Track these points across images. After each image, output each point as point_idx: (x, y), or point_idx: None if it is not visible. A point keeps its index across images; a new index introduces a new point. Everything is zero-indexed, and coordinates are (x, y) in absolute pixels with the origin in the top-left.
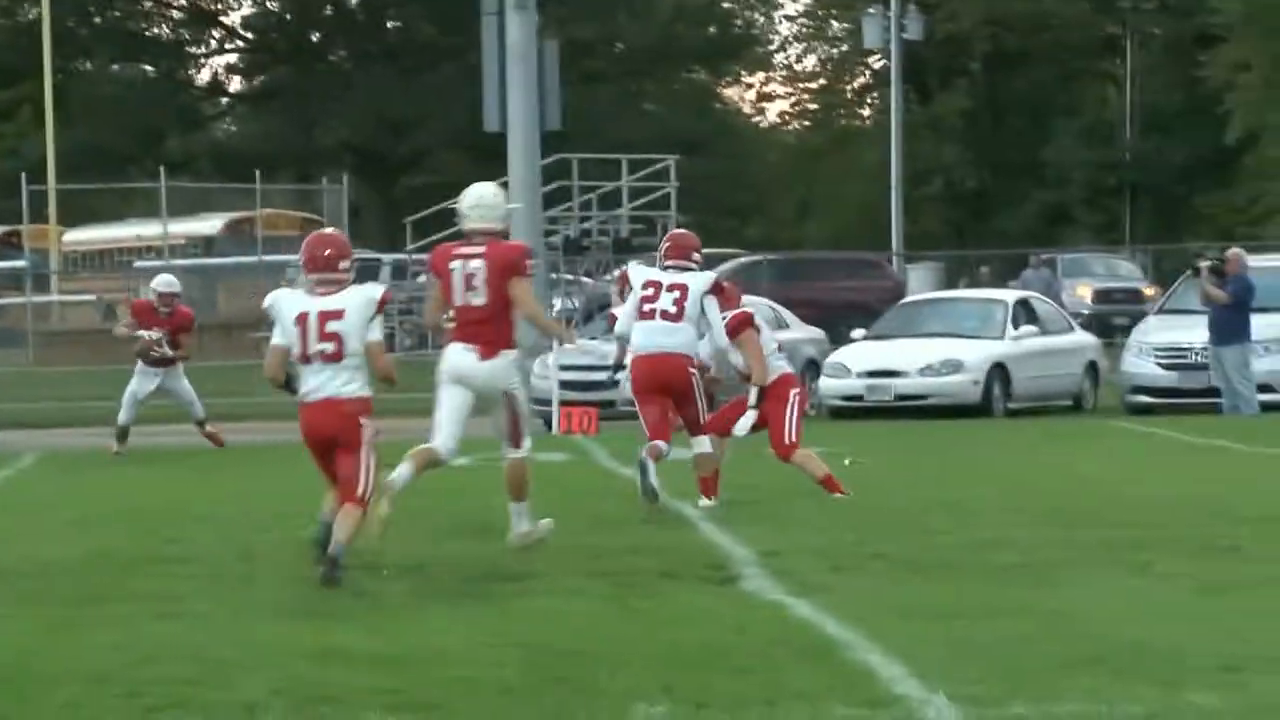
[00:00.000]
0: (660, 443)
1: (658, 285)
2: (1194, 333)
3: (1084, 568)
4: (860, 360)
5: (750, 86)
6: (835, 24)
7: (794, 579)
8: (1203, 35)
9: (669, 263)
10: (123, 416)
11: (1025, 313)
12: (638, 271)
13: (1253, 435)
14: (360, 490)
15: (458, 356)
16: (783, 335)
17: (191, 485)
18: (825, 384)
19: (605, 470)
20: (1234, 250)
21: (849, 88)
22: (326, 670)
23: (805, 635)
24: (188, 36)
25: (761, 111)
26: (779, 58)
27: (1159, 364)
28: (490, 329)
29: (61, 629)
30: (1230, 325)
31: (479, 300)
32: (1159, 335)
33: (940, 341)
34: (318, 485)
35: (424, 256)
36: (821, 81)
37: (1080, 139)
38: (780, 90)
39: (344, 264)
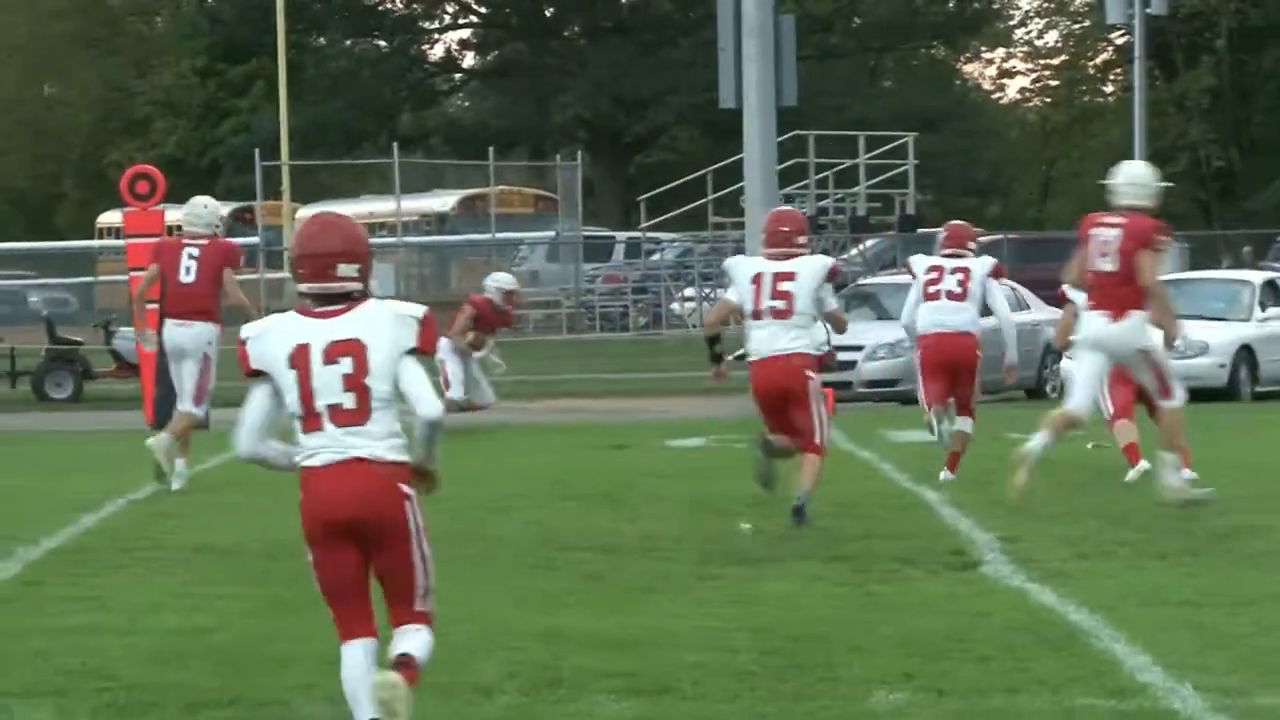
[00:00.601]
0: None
1: (940, 269)
2: None
3: None
4: None
5: (990, 63)
6: None
7: (1036, 565)
8: None
9: (946, 250)
10: (457, 393)
11: (1273, 294)
12: (920, 261)
13: None
14: (818, 439)
15: (1091, 322)
16: (1023, 317)
17: None
18: (1066, 366)
19: (842, 453)
20: None
21: (1091, 64)
22: (558, 653)
23: (1048, 622)
24: (421, 11)
25: (1002, 88)
26: (1020, 33)
27: None
28: (1120, 293)
29: (292, 610)
30: None
31: (1109, 266)
32: None
33: (1185, 323)
34: (552, 467)
35: (659, 235)
36: (1063, 58)
37: None
38: (1021, 66)
39: (801, 239)
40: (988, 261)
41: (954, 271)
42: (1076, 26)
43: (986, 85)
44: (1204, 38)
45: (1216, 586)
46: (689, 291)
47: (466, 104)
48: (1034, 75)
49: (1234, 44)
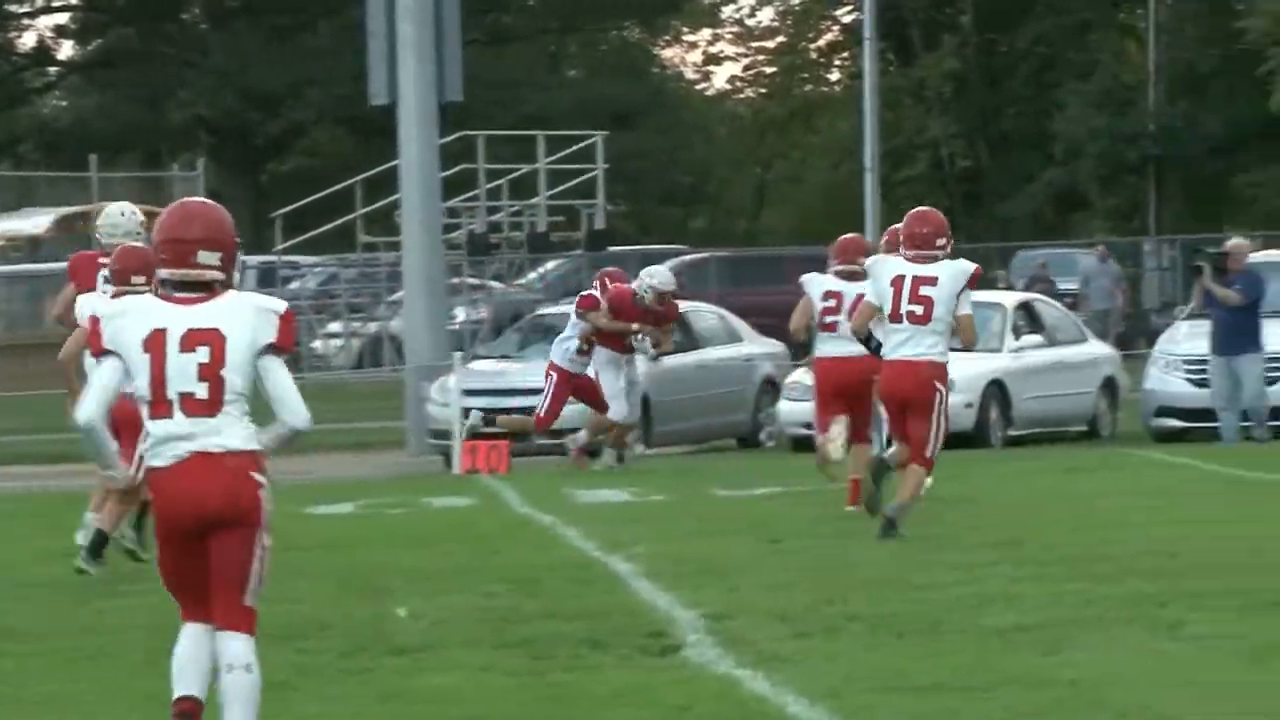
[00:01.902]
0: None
1: (839, 296)
2: None
3: (1103, 629)
4: None
5: (694, 46)
6: None
7: (749, 647)
8: None
9: (839, 267)
10: (620, 411)
11: (1028, 319)
12: (816, 282)
13: None
14: (928, 451)
15: None
16: (733, 350)
17: (34, 539)
18: (785, 409)
19: (519, 517)
20: (1236, 241)
21: (814, 47)
22: None
23: (760, 714)
24: None
25: (708, 76)
26: (728, 11)
27: (1190, 379)
28: None
29: None
30: (1242, 331)
31: None
32: (1191, 345)
33: None
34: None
35: (298, 259)
36: (780, 40)
37: (1095, 106)
38: (730, 51)
39: (940, 240)
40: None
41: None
42: (796, 3)
43: (690, 73)
44: (945, 13)
45: (962, 667)
46: (334, 326)
47: (64, 103)
48: (746, 61)
49: (981, 20)
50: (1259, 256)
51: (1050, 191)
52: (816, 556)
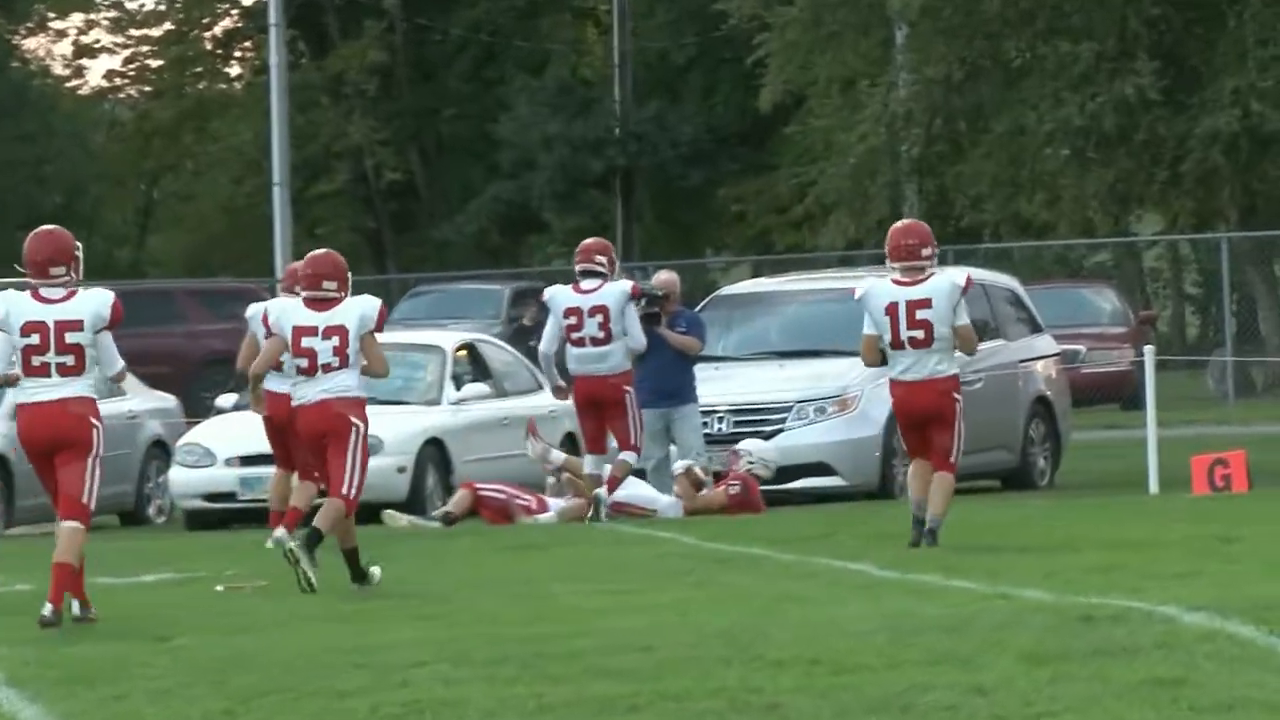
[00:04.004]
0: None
1: (579, 312)
2: (722, 385)
3: None
4: (230, 441)
5: (63, 35)
6: None
7: None
8: None
9: (580, 266)
10: None
11: (474, 365)
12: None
13: (796, 540)
14: (953, 458)
15: None
16: (114, 406)
17: None
18: (178, 476)
19: None
20: (667, 275)
21: (208, 35)
22: None
23: None
24: None
25: (81, 72)
26: None
27: None
28: None
29: None
30: (682, 378)
31: None
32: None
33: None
34: None
35: None
36: (168, 27)
37: (549, 106)
38: (108, 41)
39: (926, 251)
40: (624, 288)
41: (593, 313)
42: None
43: (59, 68)
44: None
45: None
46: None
47: None
48: (127, 53)
49: (410, 3)
50: (748, 286)
51: (497, 210)
52: (215, 656)
